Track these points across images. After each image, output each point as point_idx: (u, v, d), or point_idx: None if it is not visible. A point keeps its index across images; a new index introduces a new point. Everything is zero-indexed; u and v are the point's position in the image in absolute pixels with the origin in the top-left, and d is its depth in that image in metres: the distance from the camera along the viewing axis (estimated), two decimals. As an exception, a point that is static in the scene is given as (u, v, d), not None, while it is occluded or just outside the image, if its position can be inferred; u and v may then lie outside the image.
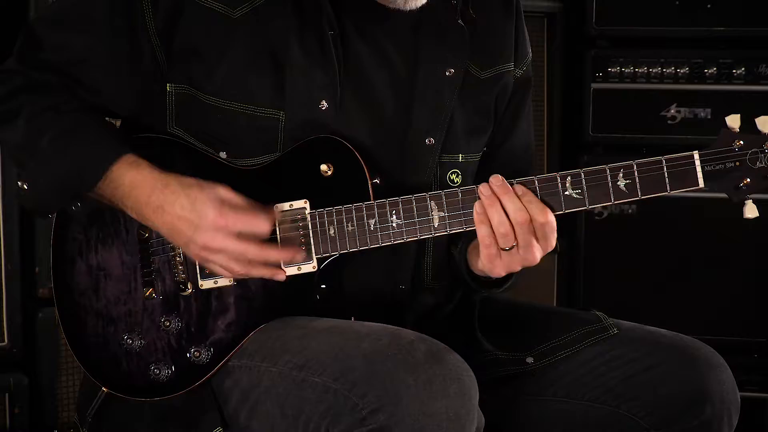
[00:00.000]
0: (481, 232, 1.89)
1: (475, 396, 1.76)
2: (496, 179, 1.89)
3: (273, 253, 1.90)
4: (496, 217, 1.87)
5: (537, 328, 2.12)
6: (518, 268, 1.92)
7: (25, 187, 1.96)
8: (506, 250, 1.88)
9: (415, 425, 1.68)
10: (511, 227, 1.87)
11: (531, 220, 1.87)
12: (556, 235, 1.90)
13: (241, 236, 1.86)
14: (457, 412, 1.71)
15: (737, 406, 1.97)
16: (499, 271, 1.92)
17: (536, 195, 1.88)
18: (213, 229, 1.85)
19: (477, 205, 1.89)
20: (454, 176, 2.10)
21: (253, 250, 1.87)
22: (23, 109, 1.96)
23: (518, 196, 1.88)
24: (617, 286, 3.56)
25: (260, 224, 1.88)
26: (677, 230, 3.55)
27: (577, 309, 2.21)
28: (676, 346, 2.01)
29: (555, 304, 3.57)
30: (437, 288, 2.16)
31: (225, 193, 1.88)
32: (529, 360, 2.07)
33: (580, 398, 2.04)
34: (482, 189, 1.89)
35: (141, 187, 1.90)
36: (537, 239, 1.88)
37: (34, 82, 1.99)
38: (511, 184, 1.89)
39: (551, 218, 1.88)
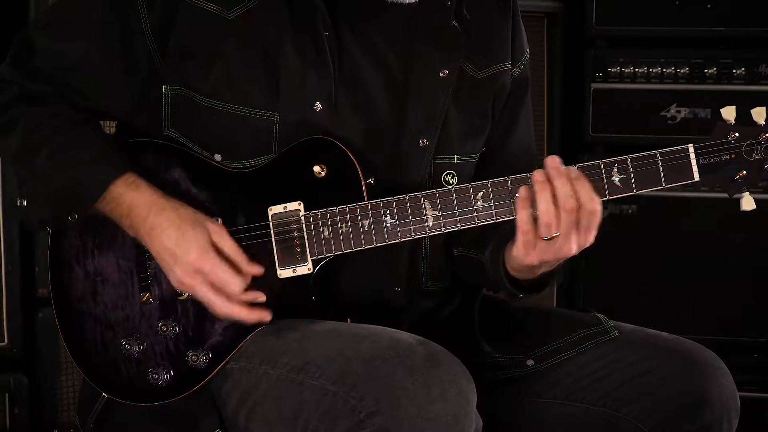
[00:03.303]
0: (522, 216, 1.85)
1: (473, 399, 1.75)
2: (553, 160, 1.85)
3: (239, 312, 1.91)
4: (543, 204, 1.83)
5: (537, 329, 2.11)
6: (551, 259, 1.87)
7: (24, 203, 1.97)
8: (546, 239, 1.85)
9: (413, 428, 1.68)
10: (556, 217, 1.83)
11: (579, 209, 1.83)
12: (596, 231, 1.86)
13: (215, 286, 1.89)
14: (455, 415, 1.71)
15: (737, 410, 1.97)
16: (532, 259, 1.87)
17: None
18: (191, 270, 1.89)
19: (522, 190, 1.85)
20: (449, 177, 2.09)
21: (220, 306, 1.90)
22: (19, 122, 1.96)
23: (571, 180, 1.84)
24: (617, 286, 3.56)
25: (233, 284, 1.90)
26: (677, 230, 3.55)
27: (577, 310, 2.20)
28: (677, 349, 2.00)
29: (555, 305, 3.57)
30: (436, 290, 2.15)
31: (216, 234, 1.91)
32: (530, 362, 2.06)
33: (580, 401, 2.03)
34: (536, 175, 1.85)
35: (139, 208, 1.92)
36: (578, 230, 1.84)
37: (29, 92, 1.99)
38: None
39: (600, 208, 1.84)
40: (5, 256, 2.87)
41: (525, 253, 1.88)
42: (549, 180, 1.84)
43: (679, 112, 3.54)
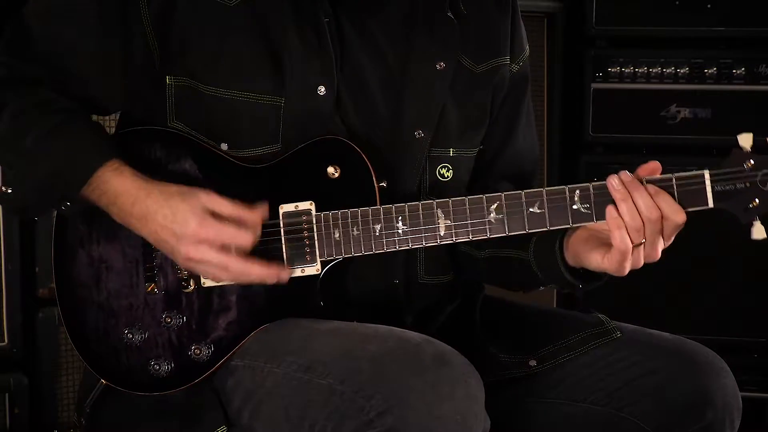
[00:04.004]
0: (619, 236, 1.84)
1: (482, 398, 1.75)
2: (625, 176, 1.85)
3: (256, 269, 1.89)
4: (628, 213, 1.83)
5: (539, 330, 2.11)
6: (639, 266, 1.88)
7: (9, 191, 1.95)
8: (635, 246, 1.85)
9: (421, 427, 1.68)
10: (642, 222, 1.84)
11: (662, 218, 1.84)
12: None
13: (225, 247, 1.87)
14: (464, 415, 1.71)
15: (739, 410, 1.97)
16: (623, 271, 1.87)
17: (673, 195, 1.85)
18: (195, 241, 1.86)
19: (611, 210, 1.85)
20: (444, 170, 2.09)
21: (235, 264, 1.88)
22: (8, 104, 1.95)
23: (650, 195, 1.84)
24: (617, 287, 3.52)
25: (242, 237, 1.87)
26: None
27: (578, 311, 2.20)
28: (679, 350, 2.00)
29: (555, 305, 3.57)
30: (433, 284, 2.15)
31: (208, 200, 1.88)
32: (532, 363, 2.06)
33: (582, 401, 2.03)
34: (613, 181, 1.85)
35: (125, 196, 1.90)
36: (663, 237, 1.86)
37: (22, 75, 1.97)
38: (642, 182, 1.86)
39: (685, 219, 1.85)
40: (5, 256, 2.87)
41: (618, 268, 1.87)
42: (627, 190, 1.85)
43: (679, 112, 3.54)
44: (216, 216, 1.87)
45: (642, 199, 1.83)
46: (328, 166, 1.95)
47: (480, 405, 1.75)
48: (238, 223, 1.88)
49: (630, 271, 1.89)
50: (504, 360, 2.08)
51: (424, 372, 1.71)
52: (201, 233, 1.86)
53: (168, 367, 1.96)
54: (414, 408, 1.68)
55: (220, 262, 1.87)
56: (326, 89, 1.97)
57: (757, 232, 1.87)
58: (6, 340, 2.89)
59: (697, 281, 3.54)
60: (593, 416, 2.02)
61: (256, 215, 1.90)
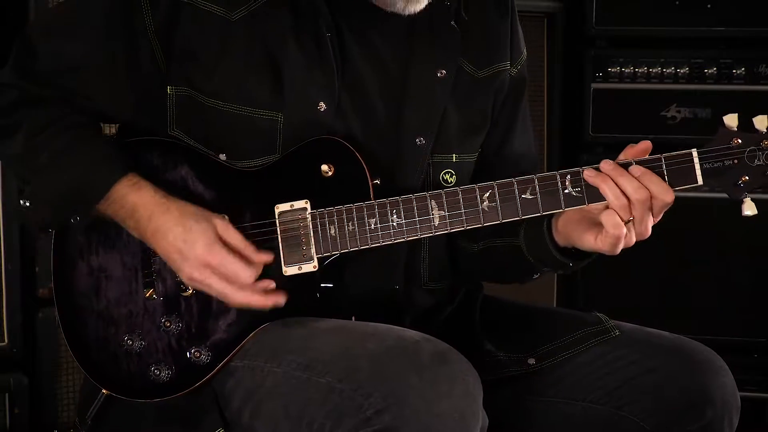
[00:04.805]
0: (612, 221, 1.86)
1: (480, 396, 1.76)
2: (607, 164, 1.87)
3: (255, 299, 1.91)
4: (611, 192, 1.85)
5: (538, 329, 2.12)
6: (630, 245, 1.90)
7: (27, 204, 1.96)
8: (624, 223, 1.86)
9: (420, 425, 1.68)
10: (627, 201, 1.85)
11: (651, 198, 1.86)
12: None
13: (226, 278, 1.89)
14: (462, 413, 1.71)
15: (738, 408, 1.97)
16: (617, 251, 1.89)
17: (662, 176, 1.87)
18: (199, 264, 1.89)
19: (607, 215, 1.87)
20: (447, 176, 2.10)
21: (234, 295, 1.90)
22: (22, 125, 1.97)
23: (636, 177, 1.86)
24: (617, 286, 3.56)
25: (244, 274, 1.90)
26: (677, 230, 3.55)
27: (578, 310, 2.21)
28: (678, 348, 2.00)
29: (554, 305, 3.57)
30: (436, 289, 2.16)
31: (222, 228, 1.91)
32: (531, 361, 2.06)
33: (581, 399, 2.04)
34: (586, 172, 1.87)
35: (142, 210, 1.92)
36: (653, 215, 1.87)
37: (30, 95, 1.99)
38: (627, 166, 1.87)
39: (673, 198, 1.87)
40: (5, 256, 2.87)
41: (612, 250, 1.89)
42: (609, 175, 1.86)
43: (679, 112, 3.54)
44: (225, 244, 1.90)
45: (627, 182, 1.85)
46: (322, 165, 1.96)
47: (478, 403, 1.75)
48: (242, 258, 1.90)
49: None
50: (503, 358, 2.08)
51: (422, 370, 1.71)
52: (206, 258, 1.88)
53: (168, 372, 1.97)
54: (412, 406, 1.68)
55: (220, 291, 1.90)
56: (327, 105, 1.98)
57: (748, 208, 1.90)
58: (6, 340, 2.89)
59: (697, 281, 3.54)
60: (592, 415, 2.03)
61: (261, 256, 1.92)
